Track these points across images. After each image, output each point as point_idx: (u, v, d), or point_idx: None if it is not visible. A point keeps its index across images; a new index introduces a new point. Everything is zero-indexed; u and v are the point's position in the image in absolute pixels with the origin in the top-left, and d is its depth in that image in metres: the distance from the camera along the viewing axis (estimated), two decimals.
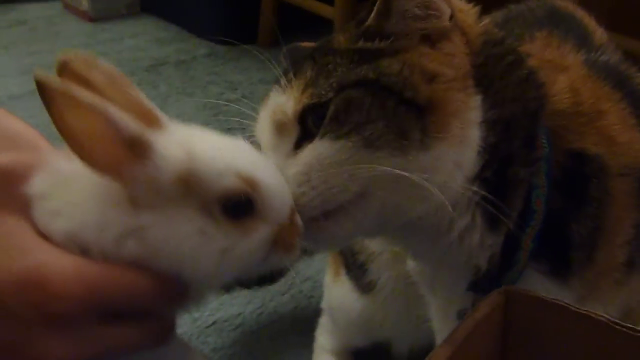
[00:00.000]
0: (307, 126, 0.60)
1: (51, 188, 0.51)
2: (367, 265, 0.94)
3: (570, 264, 0.64)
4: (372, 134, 0.57)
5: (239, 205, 0.49)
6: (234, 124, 1.94)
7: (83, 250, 0.49)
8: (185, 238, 0.48)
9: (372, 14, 0.62)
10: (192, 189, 0.48)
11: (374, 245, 0.92)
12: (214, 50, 2.31)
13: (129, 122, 0.47)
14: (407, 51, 0.60)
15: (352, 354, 1.10)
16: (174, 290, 0.50)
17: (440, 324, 0.78)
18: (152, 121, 0.50)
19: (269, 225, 0.50)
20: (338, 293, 1.02)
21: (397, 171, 0.56)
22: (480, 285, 0.65)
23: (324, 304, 1.10)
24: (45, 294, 0.46)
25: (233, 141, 0.52)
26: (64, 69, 0.51)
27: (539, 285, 0.64)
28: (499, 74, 0.62)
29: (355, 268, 0.96)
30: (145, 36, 2.45)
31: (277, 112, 0.62)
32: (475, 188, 0.60)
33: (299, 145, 0.60)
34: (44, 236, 0.49)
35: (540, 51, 0.71)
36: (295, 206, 0.55)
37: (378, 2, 0.61)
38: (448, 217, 0.61)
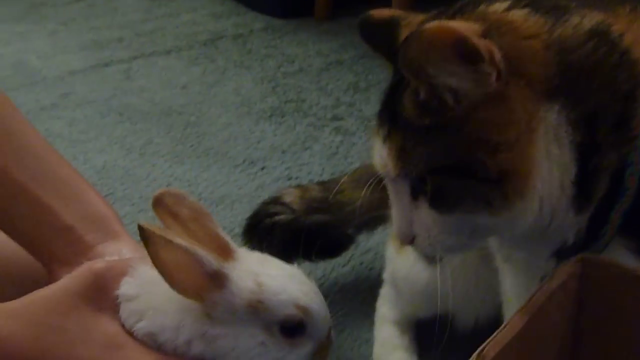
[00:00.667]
0: (415, 184, 0.66)
1: (136, 292, 0.62)
2: None
3: None
4: (467, 209, 0.64)
5: (293, 327, 0.61)
6: (292, 96, 1.94)
7: (158, 346, 0.61)
8: (249, 349, 0.61)
9: (422, 91, 0.62)
10: (259, 313, 0.60)
11: None
12: (271, 24, 2.30)
13: (211, 259, 0.59)
14: (467, 124, 0.61)
15: (414, 324, 1.09)
16: None
17: (516, 293, 0.77)
18: (227, 252, 0.62)
19: (313, 341, 0.63)
20: (403, 264, 1.01)
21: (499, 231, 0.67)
22: (565, 254, 0.64)
23: (385, 275, 1.09)
24: None
25: (291, 270, 0.64)
26: (158, 204, 0.63)
27: (624, 261, 0.63)
28: (585, 72, 0.61)
29: None
30: (202, 11, 2.45)
31: (384, 166, 0.68)
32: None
33: (415, 196, 0.67)
34: (129, 333, 0.62)
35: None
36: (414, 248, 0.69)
37: (418, 84, 0.62)
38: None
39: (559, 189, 0.62)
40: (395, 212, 0.70)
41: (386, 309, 1.08)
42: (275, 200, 1.16)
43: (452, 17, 0.65)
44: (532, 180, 0.61)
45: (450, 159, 0.62)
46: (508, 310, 0.88)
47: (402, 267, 1.01)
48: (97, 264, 0.64)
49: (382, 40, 0.73)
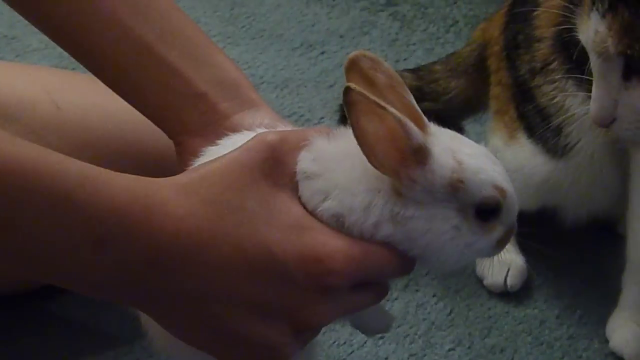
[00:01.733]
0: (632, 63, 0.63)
1: (317, 168, 0.57)
2: (564, 129, 0.90)
3: None
4: None
5: (489, 210, 0.57)
6: None
7: (344, 228, 0.56)
8: (442, 233, 0.57)
9: None
10: (456, 194, 0.56)
11: (575, 108, 0.88)
12: None
13: (418, 132, 0.54)
14: None
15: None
16: (411, 268, 0.59)
17: None
18: (422, 126, 0.57)
19: (503, 227, 0.59)
20: (515, 156, 0.98)
21: None
22: None
23: None
24: (325, 269, 0.54)
25: (483, 148, 0.59)
26: (352, 67, 0.57)
27: None
28: None
29: (546, 131, 0.92)
30: None
31: (599, 42, 0.64)
32: None
33: (627, 76, 0.64)
34: (312, 213, 0.57)
35: None
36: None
37: None
38: None
39: None
40: (598, 91, 0.67)
41: None
42: None
43: None
44: None
45: None
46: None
47: (514, 159, 0.99)
48: (270, 135, 0.58)
49: None
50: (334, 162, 0.58)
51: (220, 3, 1.66)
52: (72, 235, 0.51)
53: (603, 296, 1.00)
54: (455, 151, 0.57)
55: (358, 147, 0.55)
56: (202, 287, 0.54)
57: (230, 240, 0.54)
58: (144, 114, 0.71)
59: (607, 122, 0.68)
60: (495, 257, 1.03)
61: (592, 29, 0.65)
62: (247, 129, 0.64)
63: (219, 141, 0.63)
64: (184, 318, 0.56)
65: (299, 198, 0.57)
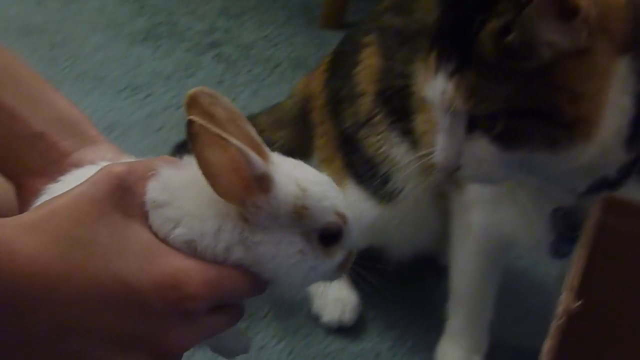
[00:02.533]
0: (475, 118, 0.69)
1: (166, 197, 0.58)
2: (390, 175, 0.97)
3: None
4: (532, 147, 0.69)
5: (331, 235, 0.60)
6: (162, 18, 1.84)
7: (197, 253, 0.57)
8: (288, 257, 0.58)
9: (514, 36, 0.65)
10: (300, 220, 0.58)
11: (400, 157, 0.94)
12: None
13: (259, 161, 0.56)
14: (551, 72, 0.65)
15: None
16: (264, 289, 0.61)
17: (524, 222, 0.85)
18: (264, 156, 0.58)
19: (344, 252, 0.61)
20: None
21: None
22: (597, 189, 0.73)
23: None
24: (182, 295, 0.54)
25: (326, 178, 0.61)
26: (192, 103, 0.57)
27: (632, 189, 0.75)
28: None
29: (374, 179, 0.98)
30: None
31: (447, 101, 0.69)
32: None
33: (470, 129, 0.70)
34: (164, 241, 0.57)
35: None
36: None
37: (518, 31, 0.64)
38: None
39: (616, 131, 0.68)
40: (444, 142, 0.72)
41: None
42: None
43: None
44: (598, 126, 0.66)
45: (532, 103, 0.66)
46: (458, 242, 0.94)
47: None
48: (117, 167, 0.57)
49: None
50: (182, 190, 0.58)
51: (39, 43, 1.61)
52: None
53: (431, 325, 1.06)
54: (298, 179, 0.58)
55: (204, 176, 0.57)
56: (59, 325, 0.53)
57: (84, 275, 0.53)
58: None
59: (452, 169, 0.73)
60: (330, 296, 1.08)
61: (439, 88, 0.70)
62: (90, 165, 0.63)
63: (60, 178, 0.62)
64: None
65: (150, 227, 0.57)
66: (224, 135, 0.54)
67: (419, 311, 1.11)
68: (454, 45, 0.69)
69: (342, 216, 0.60)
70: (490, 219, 0.90)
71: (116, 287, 0.53)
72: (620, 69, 0.66)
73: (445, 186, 0.93)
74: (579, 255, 0.59)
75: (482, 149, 0.70)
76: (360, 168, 0.99)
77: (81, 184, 0.56)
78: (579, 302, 0.55)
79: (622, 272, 0.67)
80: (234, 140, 0.54)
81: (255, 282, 0.59)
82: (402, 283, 1.12)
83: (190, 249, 0.57)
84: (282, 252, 0.58)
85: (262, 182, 0.56)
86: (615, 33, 0.66)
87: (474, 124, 0.69)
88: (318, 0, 1.92)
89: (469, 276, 0.98)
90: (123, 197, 0.56)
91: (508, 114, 0.67)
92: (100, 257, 0.53)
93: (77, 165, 0.64)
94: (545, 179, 0.78)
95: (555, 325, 0.54)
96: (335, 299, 1.07)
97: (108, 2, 1.81)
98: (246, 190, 0.56)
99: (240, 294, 0.59)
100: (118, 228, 0.55)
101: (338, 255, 0.61)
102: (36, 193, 0.62)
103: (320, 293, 1.08)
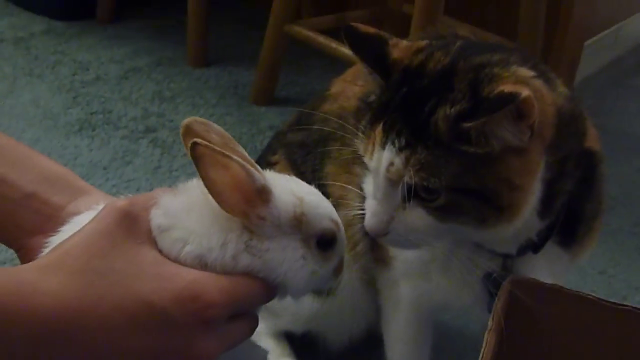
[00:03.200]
0: (415, 190, 0.74)
1: (170, 221, 0.62)
2: None
3: (576, 235, 0.87)
4: (463, 221, 0.76)
5: (327, 241, 0.65)
6: (96, 107, 1.89)
7: (208, 267, 0.61)
8: (293, 261, 0.63)
9: (473, 125, 0.71)
10: (300, 226, 0.63)
11: None
12: (52, 26, 2.20)
13: (259, 175, 0.61)
14: (496, 163, 0.72)
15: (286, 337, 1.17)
16: (274, 295, 0.64)
17: (457, 289, 0.91)
18: (258, 172, 0.63)
19: (338, 256, 0.67)
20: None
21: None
22: (524, 251, 0.83)
23: None
24: (203, 304, 0.58)
25: (316, 190, 0.67)
26: (188, 132, 0.63)
27: (550, 249, 0.85)
28: (567, 132, 0.77)
29: None
30: None
31: (393, 172, 0.74)
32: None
33: (407, 198, 0.76)
34: (175, 261, 0.61)
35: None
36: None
37: (477, 122, 0.71)
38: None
39: (533, 208, 0.77)
40: (377, 208, 0.78)
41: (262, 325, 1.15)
42: None
43: (486, 68, 0.75)
44: (523, 209, 0.75)
45: (476, 184, 0.72)
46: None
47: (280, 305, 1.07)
48: (119, 202, 0.61)
49: (370, 53, 0.81)
50: (184, 213, 0.62)
51: None
52: None
53: None
54: (294, 190, 0.64)
55: (202, 197, 0.62)
56: (91, 355, 0.55)
57: (107, 303, 0.56)
58: None
59: (382, 233, 0.78)
60: None
61: (385, 161, 0.74)
62: (87, 211, 0.65)
63: (60, 229, 0.65)
64: None
65: (160, 252, 0.61)
66: (226, 152, 0.59)
67: None
68: (405, 122, 0.74)
69: (335, 222, 0.65)
70: (419, 290, 0.95)
71: (139, 308, 0.56)
72: (542, 166, 0.75)
73: (372, 269, 0.99)
74: (487, 339, 0.66)
75: (416, 217, 0.76)
76: None
77: (88, 222, 0.60)
78: None
79: (535, 345, 0.75)
80: (235, 157, 0.59)
81: (266, 287, 0.63)
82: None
83: (201, 265, 0.61)
84: (288, 257, 0.63)
85: (263, 194, 0.61)
86: (546, 137, 0.74)
87: (410, 194, 0.74)
88: (248, 78, 2.00)
89: (403, 345, 1.04)
90: (130, 227, 0.60)
91: (452, 190, 0.73)
92: (120, 284, 0.57)
93: (74, 215, 0.67)
94: (476, 245, 0.85)
95: None
96: None
97: (41, 94, 1.85)
98: (249, 204, 0.61)
99: (254, 299, 0.63)
100: (131, 255, 0.59)
101: (334, 260, 0.66)
102: (37, 250, 0.65)
103: None
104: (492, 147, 0.72)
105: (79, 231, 0.59)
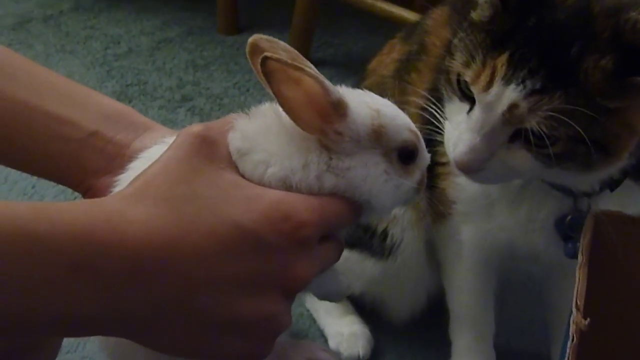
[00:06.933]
0: (525, 132, 0.68)
1: (249, 144, 0.60)
2: (388, 230, 1.00)
3: None
4: (569, 166, 0.71)
5: (408, 153, 0.62)
6: (131, 79, 1.87)
7: (293, 189, 0.59)
8: (377, 177, 0.61)
9: (604, 81, 0.66)
10: (380, 140, 0.61)
11: (395, 211, 0.98)
12: (80, 2, 2.17)
13: (334, 87, 0.58)
14: (627, 111, 0.67)
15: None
16: (360, 214, 0.62)
17: (524, 230, 0.86)
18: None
19: (420, 171, 0.64)
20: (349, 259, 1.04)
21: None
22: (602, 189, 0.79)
23: None
24: (295, 223, 0.56)
25: (386, 100, 0.64)
26: (254, 50, 0.60)
27: (624, 185, 0.80)
28: None
29: (370, 238, 1.02)
30: None
31: (515, 115, 0.68)
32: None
33: (513, 139, 0.71)
34: (259, 184, 0.59)
35: None
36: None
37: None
38: None
39: None
40: (476, 143, 0.71)
41: None
42: None
43: (622, 12, 0.67)
44: (629, 151, 0.71)
45: (601, 134, 0.67)
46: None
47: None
48: (195, 127, 0.59)
49: None
50: (261, 135, 0.60)
51: None
52: (46, 270, 0.49)
53: (437, 352, 1.08)
54: (369, 102, 0.61)
55: (276, 118, 0.60)
56: (185, 283, 0.53)
57: (197, 229, 0.54)
58: (39, 175, 0.68)
59: (476, 170, 0.73)
60: (345, 332, 1.10)
61: (508, 99, 0.67)
62: (155, 145, 0.64)
63: (129, 166, 0.64)
64: (172, 325, 0.54)
65: (243, 176, 0.59)
66: (299, 64, 0.56)
67: (425, 340, 1.14)
68: (541, 61, 0.66)
69: (414, 133, 0.63)
70: (483, 231, 0.91)
71: (231, 232, 0.54)
72: None
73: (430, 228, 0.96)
74: (580, 275, 0.63)
75: (519, 158, 0.71)
76: (354, 233, 1.01)
77: (165, 150, 0.58)
78: (587, 321, 0.58)
79: (621, 282, 0.72)
80: (308, 69, 0.57)
81: (353, 206, 0.61)
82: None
83: (286, 187, 0.59)
84: (371, 173, 0.60)
85: (339, 108, 0.59)
86: None
87: (517, 136, 0.69)
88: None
89: (466, 296, 1.00)
90: (210, 151, 0.58)
91: (573, 139, 0.67)
92: (207, 209, 0.54)
93: (139, 152, 0.65)
94: (550, 184, 0.81)
95: (570, 346, 0.57)
96: (350, 334, 1.10)
97: (76, 70, 1.83)
98: (325, 119, 0.59)
99: (342, 219, 0.61)
100: (214, 179, 0.56)
101: (416, 174, 0.64)
102: (106, 191, 0.64)
103: (335, 332, 1.11)
104: (633, 100, 0.66)
105: (156, 161, 0.57)
